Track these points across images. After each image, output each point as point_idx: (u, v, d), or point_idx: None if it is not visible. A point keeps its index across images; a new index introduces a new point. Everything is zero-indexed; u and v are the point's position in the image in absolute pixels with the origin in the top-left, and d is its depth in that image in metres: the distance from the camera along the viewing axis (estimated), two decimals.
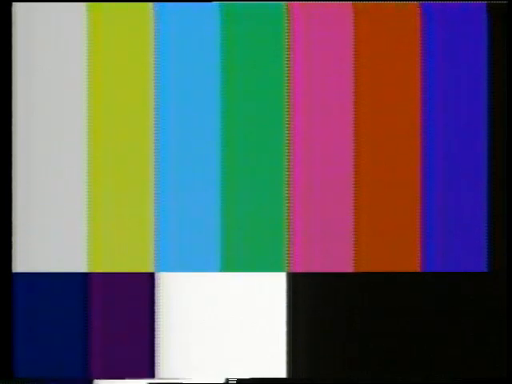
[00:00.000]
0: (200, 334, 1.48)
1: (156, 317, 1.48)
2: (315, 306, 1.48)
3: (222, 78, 1.48)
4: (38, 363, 1.47)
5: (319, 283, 1.48)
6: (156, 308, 1.48)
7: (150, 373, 1.48)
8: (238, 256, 1.48)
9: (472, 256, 1.49)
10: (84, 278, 1.47)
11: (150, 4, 1.49)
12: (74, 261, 1.47)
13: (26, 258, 1.47)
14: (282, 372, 1.48)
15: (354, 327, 1.48)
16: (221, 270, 1.47)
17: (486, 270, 1.49)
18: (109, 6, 1.48)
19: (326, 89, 1.48)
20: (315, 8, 1.49)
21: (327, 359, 1.48)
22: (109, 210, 1.47)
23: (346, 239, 1.48)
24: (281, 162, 1.48)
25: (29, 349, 1.47)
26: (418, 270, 1.48)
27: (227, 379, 1.47)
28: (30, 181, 1.48)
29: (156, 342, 1.48)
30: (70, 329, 1.47)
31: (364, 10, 1.49)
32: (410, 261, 1.48)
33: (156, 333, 1.48)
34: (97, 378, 1.48)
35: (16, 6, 1.49)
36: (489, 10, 1.50)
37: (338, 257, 1.48)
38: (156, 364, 1.48)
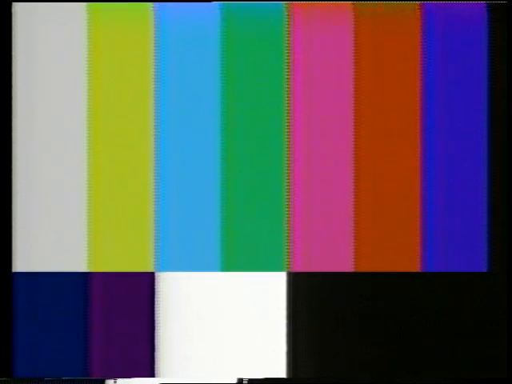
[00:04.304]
0: (200, 333, 1.48)
1: (156, 317, 1.48)
2: (315, 305, 1.48)
3: (222, 78, 1.48)
4: (38, 363, 1.47)
5: (319, 283, 1.48)
6: (156, 308, 1.48)
7: (150, 373, 1.48)
8: (238, 256, 1.48)
9: (472, 256, 1.49)
10: (84, 277, 1.47)
11: (150, 4, 1.49)
12: (74, 260, 1.47)
13: (26, 258, 1.47)
14: (282, 372, 1.48)
15: (354, 327, 1.48)
16: (221, 270, 1.47)
17: (485, 270, 1.49)
18: (109, 5, 1.48)
19: (325, 89, 1.48)
20: (315, 8, 1.49)
21: (327, 359, 1.48)
22: (109, 210, 1.48)
23: (346, 239, 1.48)
24: (281, 161, 1.48)
25: (29, 349, 1.47)
26: (418, 270, 1.48)
27: (227, 379, 1.48)
28: (30, 181, 1.48)
29: (156, 342, 1.48)
30: (70, 328, 1.47)
31: (364, 9, 1.49)
32: (410, 261, 1.48)
33: (156, 333, 1.48)
34: (97, 378, 1.48)
35: (16, 6, 1.49)
36: (489, 10, 1.50)
37: (338, 257, 1.48)
38: (156, 364, 1.48)
